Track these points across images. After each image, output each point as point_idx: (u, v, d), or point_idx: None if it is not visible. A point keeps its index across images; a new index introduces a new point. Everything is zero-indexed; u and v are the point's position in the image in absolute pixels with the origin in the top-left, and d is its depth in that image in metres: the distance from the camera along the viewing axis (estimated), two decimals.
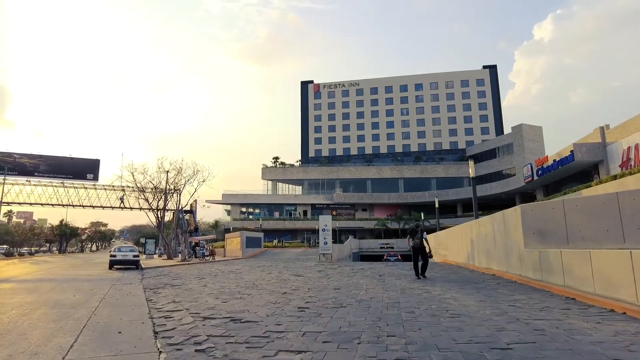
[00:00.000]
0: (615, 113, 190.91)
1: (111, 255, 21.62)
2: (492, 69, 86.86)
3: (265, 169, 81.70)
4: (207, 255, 31.77)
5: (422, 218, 56.96)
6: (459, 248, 18.11)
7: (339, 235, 73.10)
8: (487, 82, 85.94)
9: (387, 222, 66.14)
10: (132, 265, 21.44)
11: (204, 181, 35.65)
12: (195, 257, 32.70)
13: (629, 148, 35.84)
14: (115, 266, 21.49)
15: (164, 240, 39.97)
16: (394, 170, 78.92)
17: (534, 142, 69.61)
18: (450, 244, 20.37)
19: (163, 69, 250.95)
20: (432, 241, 30.57)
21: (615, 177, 30.32)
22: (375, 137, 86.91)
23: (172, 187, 36.29)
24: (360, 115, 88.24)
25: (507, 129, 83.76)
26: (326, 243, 23.04)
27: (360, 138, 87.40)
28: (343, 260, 28.89)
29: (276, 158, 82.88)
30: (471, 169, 18.61)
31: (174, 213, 40.68)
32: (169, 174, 35.65)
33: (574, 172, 46.00)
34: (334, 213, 75.85)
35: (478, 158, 77.85)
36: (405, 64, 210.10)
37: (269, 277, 14.14)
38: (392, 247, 48.55)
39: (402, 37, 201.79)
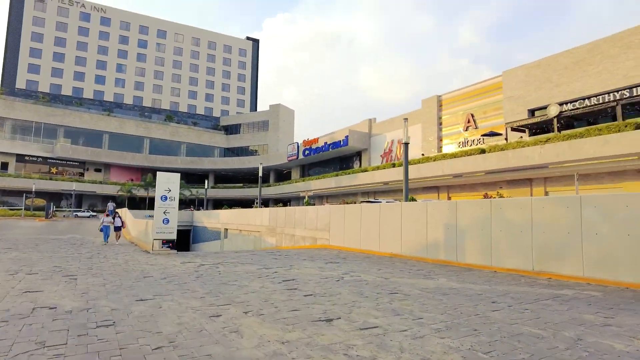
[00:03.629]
0: (316, 116, 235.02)
1: None
2: (255, 43, 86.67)
3: None
4: None
5: (206, 187, 50.03)
6: (402, 233, 13.80)
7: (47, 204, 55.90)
8: (249, 55, 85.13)
9: (133, 188, 54.99)
10: None
11: None
12: None
13: (392, 141, 41.49)
14: None
15: None
16: (140, 126, 66.99)
17: (288, 124, 73.58)
18: (351, 225, 16.16)
19: None
20: (267, 216, 25.30)
21: (394, 165, 33.77)
22: (120, 82, 71.30)
23: None
24: (103, 50, 70.13)
25: (260, 107, 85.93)
26: (168, 221, 13.58)
27: (100, 79, 69.62)
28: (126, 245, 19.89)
29: None
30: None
31: None
32: None
33: (338, 156, 50.20)
34: (54, 171, 57.58)
35: (232, 129, 76.20)
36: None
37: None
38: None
39: None
